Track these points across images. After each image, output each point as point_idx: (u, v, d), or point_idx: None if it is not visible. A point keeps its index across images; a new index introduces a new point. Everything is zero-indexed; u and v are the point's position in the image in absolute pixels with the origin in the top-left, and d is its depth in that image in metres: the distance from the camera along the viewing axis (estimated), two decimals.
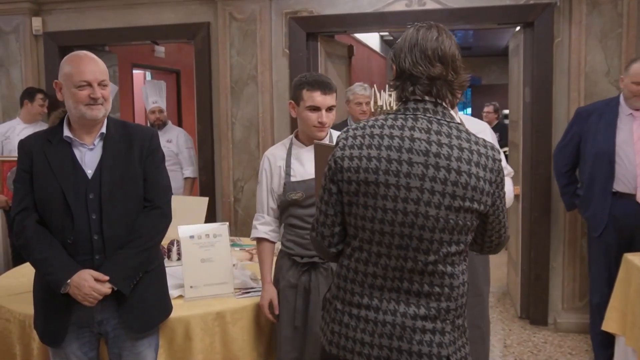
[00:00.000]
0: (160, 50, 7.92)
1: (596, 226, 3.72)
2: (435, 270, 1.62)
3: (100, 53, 5.73)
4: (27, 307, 2.50)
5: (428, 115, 1.63)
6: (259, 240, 2.66)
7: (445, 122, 1.63)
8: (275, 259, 2.70)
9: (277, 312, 2.54)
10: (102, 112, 2.20)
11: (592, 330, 3.83)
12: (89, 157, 2.23)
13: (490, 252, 1.82)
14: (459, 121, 1.74)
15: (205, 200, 3.98)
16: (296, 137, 2.65)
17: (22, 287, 2.79)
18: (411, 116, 1.64)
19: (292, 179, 2.55)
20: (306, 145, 2.59)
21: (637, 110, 3.60)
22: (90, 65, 2.18)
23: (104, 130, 2.25)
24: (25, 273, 3.06)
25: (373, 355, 1.66)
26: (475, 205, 1.60)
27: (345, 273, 1.73)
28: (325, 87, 2.49)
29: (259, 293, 2.65)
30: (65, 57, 2.25)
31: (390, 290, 1.65)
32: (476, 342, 2.67)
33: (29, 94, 4.98)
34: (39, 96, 4.98)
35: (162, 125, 5.43)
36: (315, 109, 2.49)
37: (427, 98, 1.64)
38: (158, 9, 5.08)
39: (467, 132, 1.64)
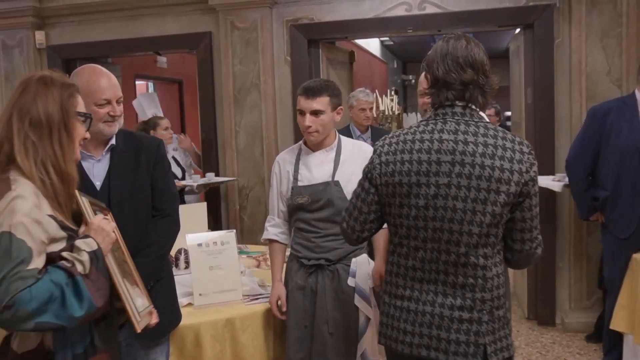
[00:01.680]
0: (163, 60, 7.96)
1: (624, 227, 3.58)
2: (468, 262, 1.74)
3: (104, 65, 5.77)
4: None
5: (456, 117, 1.77)
6: (270, 241, 2.75)
7: (473, 122, 1.76)
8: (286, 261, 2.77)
9: (284, 309, 2.60)
10: (117, 127, 2.22)
11: (606, 331, 3.73)
12: (97, 169, 2.23)
13: (518, 261, 1.85)
14: (487, 120, 1.86)
15: (204, 205, 4.00)
16: (304, 142, 2.70)
17: None
18: (440, 120, 1.78)
19: (299, 183, 2.62)
20: (313, 151, 2.63)
21: None
22: (110, 82, 2.18)
23: (113, 142, 2.26)
24: None
25: (414, 344, 1.79)
26: (502, 197, 1.70)
27: (390, 268, 1.88)
28: (309, 92, 2.56)
29: (268, 299, 2.69)
30: (79, 71, 2.21)
31: (429, 282, 1.79)
32: None
33: None
34: None
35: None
36: (302, 113, 2.58)
37: (457, 102, 1.78)
38: (160, 19, 5.12)
39: (495, 130, 1.76)
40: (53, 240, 1.59)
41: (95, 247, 1.64)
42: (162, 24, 5.13)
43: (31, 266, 1.49)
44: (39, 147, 1.60)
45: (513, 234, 1.79)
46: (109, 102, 2.16)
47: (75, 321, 1.53)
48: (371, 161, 1.86)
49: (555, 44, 4.39)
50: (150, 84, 8.53)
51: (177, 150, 5.26)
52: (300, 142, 2.74)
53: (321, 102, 2.55)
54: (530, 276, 4.69)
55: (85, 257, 1.59)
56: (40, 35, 5.33)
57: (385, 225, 2.62)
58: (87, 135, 1.78)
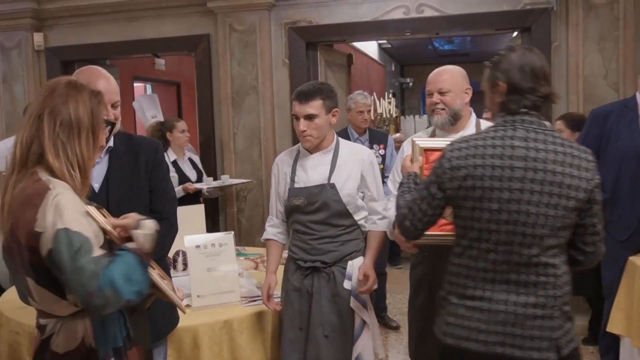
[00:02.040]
0: (161, 62, 7.97)
1: (624, 229, 3.55)
2: (539, 262, 1.83)
3: (102, 66, 5.77)
4: (35, 320, 2.52)
5: (526, 125, 1.87)
6: (268, 240, 2.78)
7: (541, 131, 1.86)
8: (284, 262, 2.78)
9: (272, 292, 2.62)
10: (114, 129, 2.22)
11: (602, 334, 3.72)
12: (95, 171, 2.23)
13: (590, 261, 1.97)
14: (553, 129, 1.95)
15: (202, 207, 3.99)
16: (302, 146, 2.71)
17: None
18: (510, 127, 1.87)
19: (296, 185, 2.63)
20: (310, 153, 2.64)
21: None
22: (107, 86, 2.16)
23: (111, 144, 2.26)
24: None
25: (489, 341, 1.86)
26: (572, 203, 1.81)
27: (458, 270, 1.94)
28: (302, 96, 2.56)
29: None
30: (79, 74, 2.18)
31: (500, 282, 1.86)
32: None
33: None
34: None
35: None
36: (296, 117, 2.59)
37: (529, 111, 1.88)
38: (158, 22, 5.13)
39: (561, 138, 1.87)
40: (97, 233, 1.62)
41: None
42: (160, 26, 5.14)
43: (96, 253, 1.53)
44: (68, 147, 1.63)
45: (585, 238, 1.91)
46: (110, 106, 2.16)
47: (142, 297, 1.63)
48: (440, 165, 1.91)
49: (552, 47, 4.40)
50: (149, 86, 8.54)
51: (193, 152, 5.25)
52: (299, 144, 2.75)
53: (314, 106, 2.55)
54: None
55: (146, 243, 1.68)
56: (38, 37, 5.34)
57: (380, 227, 2.66)
58: (104, 142, 1.80)
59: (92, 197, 2.17)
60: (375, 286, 2.65)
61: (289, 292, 2.63)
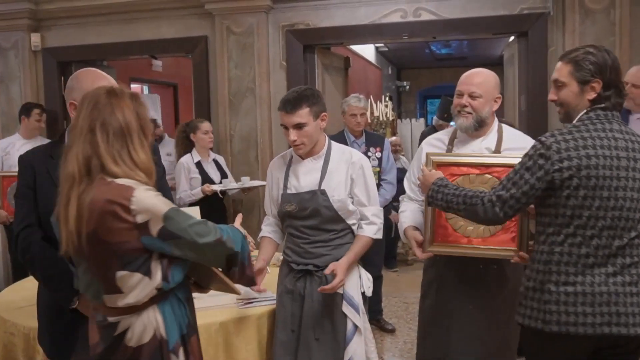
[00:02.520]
0: (158, 64, 7.97)
1: None
2: (633, 244, 2.01)
3: (100, 68, 5.76)
4: (31, 321, 2.51)
5: (616, 119, 2.07)
6: (262, 238, 2.77)
7: (623, 124, 2.09)
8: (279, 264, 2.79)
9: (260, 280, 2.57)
10: None
11: None
12: None
13: None
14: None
15: (197, 209, 3.97)
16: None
17: (25, 301, 2.81)
18: (606, 120, 2.05)
19: (288, 191, 2.62)
20: (302, 159, 2.64)
21: None
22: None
23: None
24: (28, 287, 3.07)
25: (597, 323, 1.97)
26: None
27: (559, 258, 2.03)
28: (288, 105, 2.50)
29: (262, 303, 2.71)
30: (80, 76, 2.20)
31: (599, 266, 1.99)
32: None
33: (25, 110, 4.98)
34: (36, 111, 4.96)
35: (160, 139, 5.45)
36: (285, 127, 2.55)
37: (613, 106, 2.09)
38: (156, 23, 5.13)
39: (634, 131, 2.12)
40: None
41: None
42: (158, 27, 5.14)
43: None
44: (124, 153, 1.75)
45: None
46: None
47: (242, 253, 1.88)
48: (548, 158, 1.99)
49: (549, 52, 4.42)
50: (146, 87, 8.53)
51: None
52: (290, 149, 2.73)
53: (301, 115, 2.50)
54: None
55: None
56: (35, 38, 5.33)
57: (365, 232, 2.64)
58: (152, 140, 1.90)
59: None
60: (371, 289, 2.67)
61: (281, 294, 2.63)
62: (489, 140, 2.59)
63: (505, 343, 2.66)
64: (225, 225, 1.87)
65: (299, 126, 2.51)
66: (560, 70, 2.17)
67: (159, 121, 5.62)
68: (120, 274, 1.72)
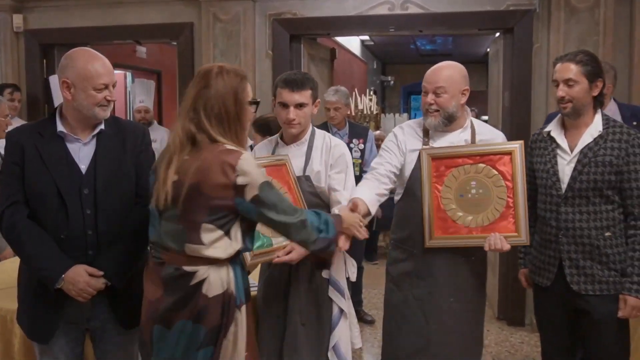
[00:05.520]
0: (142, 50, 7.90)
1: None
2: None
3: None
4: (7, 303, 2.49)
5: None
6: None
7: None
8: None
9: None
10: (109, 111, 2.23)
11: None
12: (83, 152, 2.22)
13: None
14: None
15: None
16: (280, 136, 2.70)
17: (3, 283, 2.78)
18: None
19: None
20: (287, 144, 2.64)
21: None
22: (106, 67, 2.19)
23: (102, 127, 2.25)
24: (5, 269, 3.04)
25: None
26: None
27: None
28: (294, 85, 2.54)
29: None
30: (74, 55, 2.19)
31: None
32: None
33: None
34: (7, 91, 4.86)
35: (148, 124, 5.41)
36: (285, 105, 2.55)
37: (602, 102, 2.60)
38: (141, 8, 5.08)
39: None
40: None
41: None
42: (143, 13, 5.08)
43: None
44: (232, 126, 1.95)
45: None
46: (106, 87, 2.17)
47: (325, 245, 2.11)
48: None
49: (533, 49, 4.45)
50: (129, 74, 8.45)
51: None
52: (277, 135, 2.74)
53: (305, 96, 2.55)
54: (501, 277, 4.76)
55: None
56: (18, 19, 5.24)
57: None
58: (252, 115, 2.15)
59: (80, 179, 2.16)
60: (355, 275, 2.68)
61: (267, 280, 2.63)
62: (467, 132, 2.61)
63: (479, 335, 2.71)
64: (319, 213, 2.12)
65: (300, 105, 2.54)
66: (571, 70, 2.45)
67: (150, 107, 5.59)
68: (206, 226, 1.89)
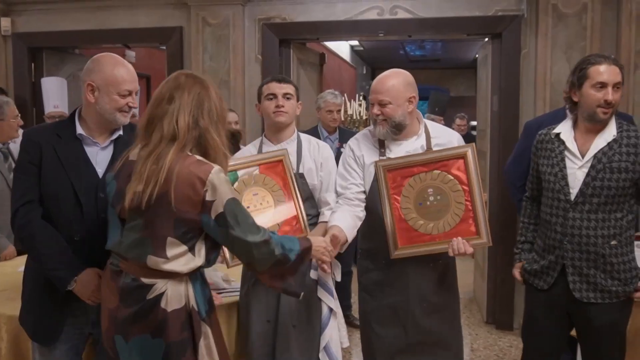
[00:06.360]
0: (131, 54, 7.86)
1: None
2: None
3: (71, 56, 5.68)
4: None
5: None
6: None
7: None
8: None
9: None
10: (129, 118, 2.25)
11: None
12: (100, 157, 2.23)
13: None
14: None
15: None
16: (265, 137, 2.72)
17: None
18: None
19: None
20: (273, 144, 2.66)
21: None
22: (131, 74, 2.21)
23: (121, 132, 2.27)
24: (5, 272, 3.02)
25: None
26: None
27: None
28: (280, 78, 2.71)
29: (231, 294, 2.71)
30: (101, 60, 2.22)
31: None
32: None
33: None
34: None
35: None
36: (273, 96, 2.62)
37: None
38: (131, 12, 5.07)
39: None
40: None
41: None
42: (132, 16, 5.08)
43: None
44: (217, 135, 1.95)
45: None
46: (130, 94, 2.19)
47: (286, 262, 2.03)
48: None
49: (521, 54, 4.49)
50: None
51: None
52: (261, 137, 2.78)
53: (291, 88, 2.66)
54: (490, 281, 4.78)
55: None
56: (6, 22, 5.22)
57: (326, 219, 2.57)
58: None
59: (96, 182, 2.16)
60: (340, 274, 2.70)
61: (256, 285, 2.60)
62: (422, 138, 2.64)
63: (457, 333, 2.76)
64: (288, 237, 2.12)
65: (287, 96, 2.63)
66: (619, 74, 2.35)
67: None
68: (171, 240, 1.86)
